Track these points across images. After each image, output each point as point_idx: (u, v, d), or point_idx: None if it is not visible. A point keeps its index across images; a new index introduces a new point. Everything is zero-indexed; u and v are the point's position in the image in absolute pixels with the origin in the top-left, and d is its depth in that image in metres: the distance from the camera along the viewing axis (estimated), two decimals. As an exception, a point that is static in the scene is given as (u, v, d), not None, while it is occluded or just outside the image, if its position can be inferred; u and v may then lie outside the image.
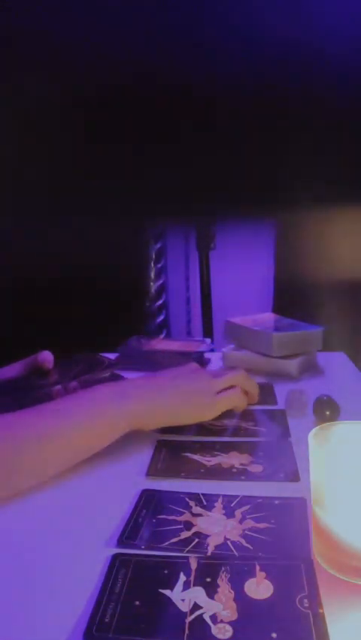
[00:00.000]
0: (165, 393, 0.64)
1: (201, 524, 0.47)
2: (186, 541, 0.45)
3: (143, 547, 0.44)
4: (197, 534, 0.46)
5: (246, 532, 0.46)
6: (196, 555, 0.43)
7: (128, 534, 0.46)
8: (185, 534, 0.46)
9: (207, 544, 0.45)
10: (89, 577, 0.41)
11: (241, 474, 0.55)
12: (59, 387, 0.63)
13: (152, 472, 0.56)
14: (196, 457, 0.59)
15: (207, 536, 0.46)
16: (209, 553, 0.43)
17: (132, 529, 0.47)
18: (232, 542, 0.45)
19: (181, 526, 0.47)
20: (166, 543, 0.45)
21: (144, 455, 0.60)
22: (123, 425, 0.59)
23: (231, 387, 0.68)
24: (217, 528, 0.47)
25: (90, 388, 0.61)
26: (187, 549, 0.44)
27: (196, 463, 0.58)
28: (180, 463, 0.58)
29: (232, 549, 0.44)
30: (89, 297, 1.54)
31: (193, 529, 0.47)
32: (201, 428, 0.67)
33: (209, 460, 0.58)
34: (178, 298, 2.09)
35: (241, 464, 0.57)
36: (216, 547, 0.44)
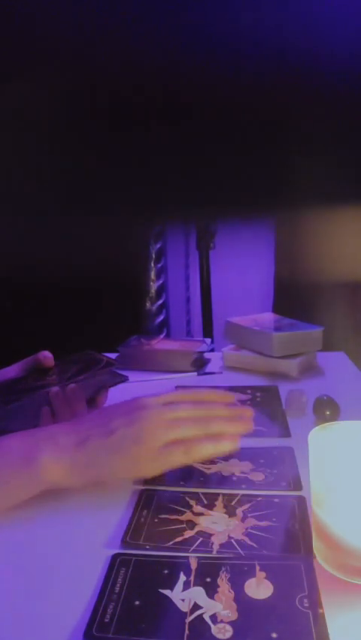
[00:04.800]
0: (91, 446, 0.50)
1: (204, 523, 0.47)
2: (190, 541, 0.45)
3: (148, 547, 0.44)
4: (200, 533, 0.46)
5: (249, 530, 0.46)
6: (202, 554, 0.43)
7: (132, 535, 0.46)
8: (188, 533, 0.46)
9: (212, 543, 0.45)
10: (89, 577, 0.41)
11: (242, 482, 0.54)
12: (56, 388, 0.63)
13: (149, 480, 0.55)
14: (195, 464, 0.58)
15: (210, 535, 0.46)
16: (214, 552, 0.43)
17: (135, 530, 0.47)
18: (236, 541, 0.45)
19: (184, 526, 0.47)
20: (170, 543, 0.45)
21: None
22: (32, 486, 0.50)
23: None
24: (220, 527, 0.47)
25: None
26: (192, 548, 0.44)
27: (195, 471, 0.57)
28: (178, 470, 0.56)
29: (237, 548, 0.44)
30: (90, 297, 1.54)
31: (196, 529, 0.47)
32: None
33: (209, 468, 0.57)
34: (178, 298, 2.09)
35: (242, 472, 0.56)
36: (221, 545, 0.44)
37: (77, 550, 0.45)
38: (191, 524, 0.47)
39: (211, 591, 0.39)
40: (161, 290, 1.97)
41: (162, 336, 1.70)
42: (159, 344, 0.97)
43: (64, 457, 0.50)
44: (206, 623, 0.36)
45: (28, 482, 0.49)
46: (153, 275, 1.88)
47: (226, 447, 0.52)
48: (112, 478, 0.52)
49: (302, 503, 0.49)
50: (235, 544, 0.44)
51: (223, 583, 0.40)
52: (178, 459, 0.51)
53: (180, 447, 0.51)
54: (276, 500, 0.50)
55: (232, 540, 0.45)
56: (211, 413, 0.54)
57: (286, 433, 0.65)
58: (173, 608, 0.38)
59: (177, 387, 0.82)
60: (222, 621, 0.36)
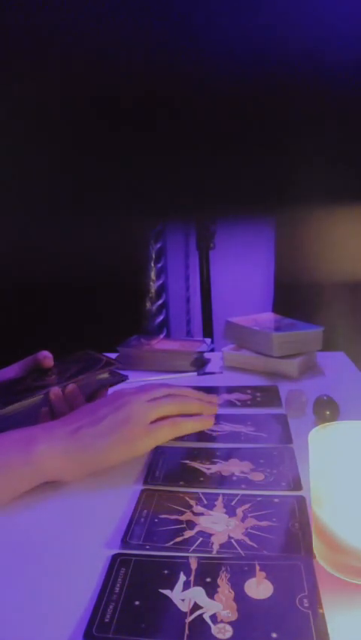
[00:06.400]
0: (84, 434, 0.54)
1: (204, 523, 0.47)
2: (190, 541, 0.45)
3: (148, 547, 0.44)
4: (200, 533, 0.46)
5: (249, 530, 0.46)
6: (202, 554, 0.43)
7: (132, 534, 0.46)
8: (188, 533, 0.46)
9: (212, 543, 0.45)
10: (89, 577, 0.41)
11: (242, 482, 0.54)
12: (56, 388, 0.63)
13: (149, 480, 0.55)
14: (195, 464, 0.58)
15: (210, 535, 0.46)
16: (214, 552, 0.43)
17: (135, 530, 0.47)
18: (236, 541, 0.45)
19: (184, 526, 0.47)
20: (171, 543, 0.45)
21: (142, 461, 0.59)
22: (31, 477, 0.51)
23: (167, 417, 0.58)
24: (220, 527, 0.47)
25: None
26: (192, 548, 0.44)
27: (195, 471, 0.57)
28: (178, 470, 0.57)
29: (237, 548, 0.44)
30: (90, 296, 1.54)
31: (196, 529, 0.47)
32: (200, 434, 0.66)
33: (208, 468, 0.57)
34: (178, 298, 2.09)
35: (242, 472, 0.56)
36: (221, 545, 0.44)
37: (77, 550, 0.45)
38: (191, 524, 0.47)
39: (211, 591, 0.39)
40: (161, 290, 1.97)
41: (162, 336, 1.70)
42: (159, 344, 0.97)
43: (59, 445, 0.52)
44: (206, 623, 0.36)
45: (26, 474, 0.51)
46: (153, 275, 1.88)
47: (206, 424, 0.60)
48: (108, 462, 0.55)
49: (302, 503, 0.49)
50: (235, 544, 0.44)
51: (223, 583, 0.40)
52: (166, 433, 0.56)
53: (167, 422, 0.57)
54: (276, 500, 0.50)
55: (232, 540, 0.45)
56: (184, 395, 0.62)
57: (287, 439, 0.64)
58: (173, 608, 0.38)
59: None
60: (222, 621, 0.36)
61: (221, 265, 1.87)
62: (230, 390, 0.80)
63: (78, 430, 0.54)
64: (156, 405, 0.57)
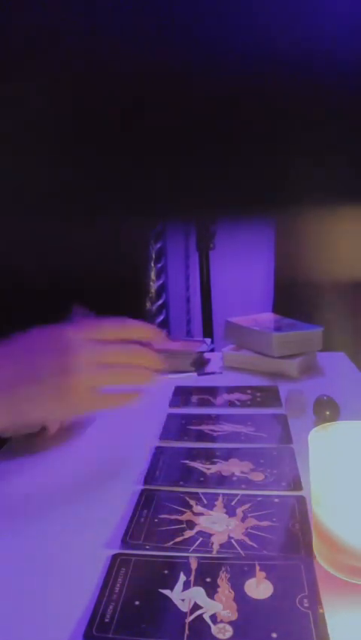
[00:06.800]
0: (18, 393, 0.51)
1: (204, 523, 0.47)
2: (190, 541, 0.45)
3: (148, 547, 0.44)
4: (200, 533, 0.46)
5: (249, 530, 0.46)
6: (202, 554, 0.43)
7: (132, 534, 0.46)
8: (188, 533, 0.46)
9: (212, 543, 0.45)
10: (89, 577, 0.41)
11: (242, 482, 0.54)
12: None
13: (149, 480, 0.55)
14: (195, 464, 0.58)
15: (210, 535, 0.46)
16: (214, 552, 0.43)
17: (135, 530, 0.47)
18: (236, 541, 0.45)
19: (184, 526, 0.47)
20: (170, 543, 0.45)
21: (142, 461, 0.59)
22: None
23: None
24: (220, 527, 0.47)
25: None
26: (192, 548, 0.44)
27: (195, 471, 0.57)
28: (178, 470, 0.57)
29: (237, 548, 0.44)
30: (89, 296, 1.53)
31: (196, 528, 0.47)
32: (200, 434, 0.66)
33: (208, 468, 0.57)
34: (178, 298, 2.09)
35: (242, 472, 0.56)
36: (221, 545, 0.44)
37: (77, 550, 0.45)
38: (191, 524, 0.47)
39: (211, 591, 0.39)
40: (161, 290, 1.97)
41: (162, 336, 1.69)
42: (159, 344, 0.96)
43: None
44: (206, 623, 0.36)
45: None
46: (153, 275, 1.88)
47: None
48: (42, 420, 0.56)
49: (302, 503, 0.49)
50: (235, 544, 0.44)
51: (223, 583, 0.40)
52: (107, 403, 0.55)
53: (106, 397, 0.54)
54: (276, 500, 0.50)
55: (232, 540, 0.45)
56: (137, 360, 0.56)
57: (287, 439, 0.64)
58: (173, 608, 0.38)
59: (176, 388, 0.82)
60: (222, 621, 0.36)
61: (221, 265, 1.87)
62: (230, 390, 0.80)
63: (13, 388, 0.51)
64: (103, 375, 0.53)
